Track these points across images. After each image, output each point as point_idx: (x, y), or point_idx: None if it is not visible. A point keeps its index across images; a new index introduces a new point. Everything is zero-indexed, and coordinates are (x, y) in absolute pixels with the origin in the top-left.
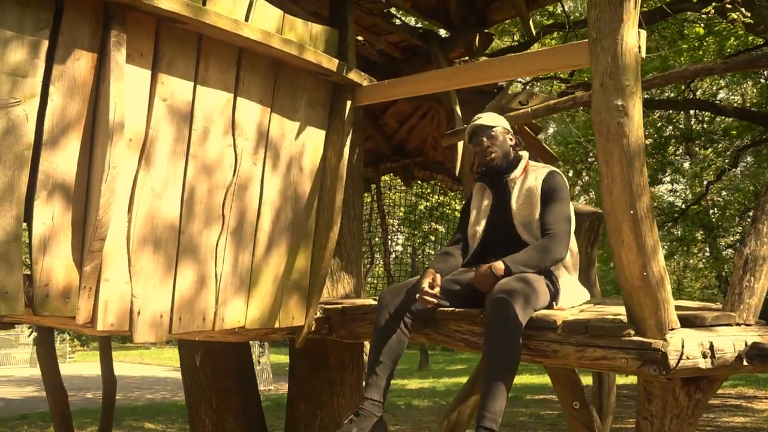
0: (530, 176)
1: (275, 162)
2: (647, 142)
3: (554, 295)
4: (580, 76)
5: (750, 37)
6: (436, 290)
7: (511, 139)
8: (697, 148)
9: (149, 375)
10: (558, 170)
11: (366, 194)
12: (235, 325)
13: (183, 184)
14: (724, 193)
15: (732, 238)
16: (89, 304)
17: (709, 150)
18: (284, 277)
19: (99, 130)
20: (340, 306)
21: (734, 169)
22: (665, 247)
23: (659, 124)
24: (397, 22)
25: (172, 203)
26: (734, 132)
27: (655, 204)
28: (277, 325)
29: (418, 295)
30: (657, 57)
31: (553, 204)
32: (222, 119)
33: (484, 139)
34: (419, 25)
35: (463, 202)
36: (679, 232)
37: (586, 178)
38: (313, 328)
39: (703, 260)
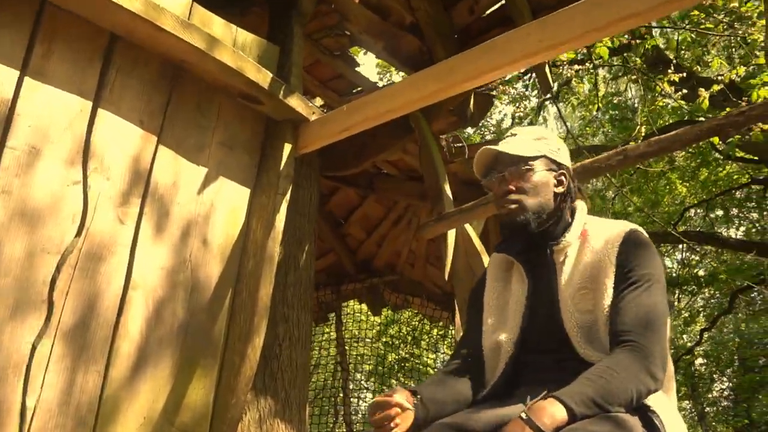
0: (592, 242)
1: (160, 223)
2: None
3: None
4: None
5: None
6: (406, 420)
7: (559, 182)
8: (678, 298)
9: None
10: (640, 229)
11: (326, 328)
12: None
13: None
14: (706, 346)
15: (712, 395)
16: None
17: (683, 305)
18: (163, 419)
19: None
20: None
21: (728, 315)
22: None
23: None
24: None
25: None
26: (723, 276)
27: None
28: None
29: None
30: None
31: (635, 289)
32: (67, 138)
33: (506, 177)
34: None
35: (472, 289)
36: None
37: None
38: None
39: (686, 418)
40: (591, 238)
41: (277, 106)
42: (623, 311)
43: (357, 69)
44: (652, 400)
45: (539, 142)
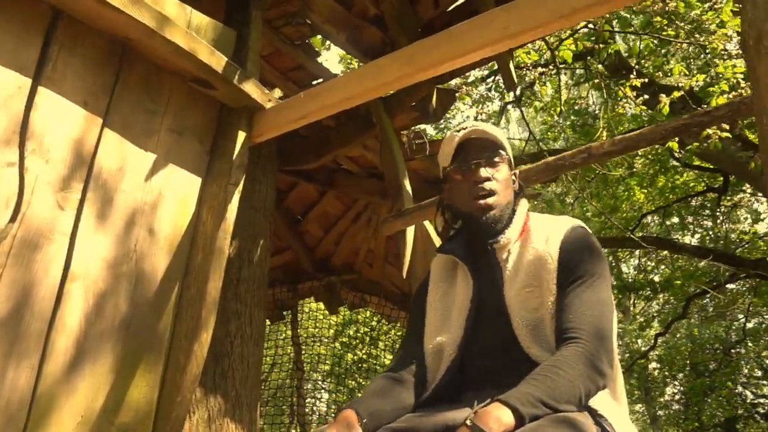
0: (534, 239)
1: (103, 211)
2: None
3: None
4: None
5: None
6: None
7: (513, 182)
8: (633, 303)
9: None
10: (583, 225)
11: (283, 327)
12: None
13: None
14: (660, 350)
15: (664, 398)
16: None
17: (638, 310)
18: (102, 418)
19: None
20: None
21: (682, 321)
22: None
23: None
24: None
25: None
26: (678, 282)
27: None
28: None
29: None
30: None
31: (579, 285)
32: (2, 117)
33: (483, 164)
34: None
35: (415, 292)
36: None
37: None
38: None
39: (639, 421)
40: (533, 235)
41: (232, 92)
42: (568, 308)
43: (318, 60)
44: (600, 405)
45: (504, 137)
